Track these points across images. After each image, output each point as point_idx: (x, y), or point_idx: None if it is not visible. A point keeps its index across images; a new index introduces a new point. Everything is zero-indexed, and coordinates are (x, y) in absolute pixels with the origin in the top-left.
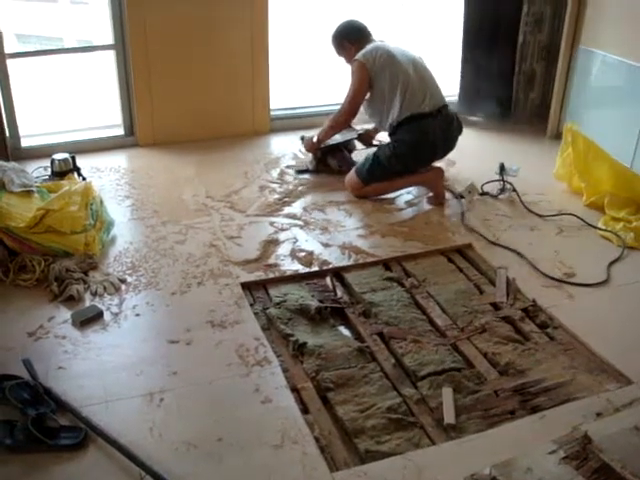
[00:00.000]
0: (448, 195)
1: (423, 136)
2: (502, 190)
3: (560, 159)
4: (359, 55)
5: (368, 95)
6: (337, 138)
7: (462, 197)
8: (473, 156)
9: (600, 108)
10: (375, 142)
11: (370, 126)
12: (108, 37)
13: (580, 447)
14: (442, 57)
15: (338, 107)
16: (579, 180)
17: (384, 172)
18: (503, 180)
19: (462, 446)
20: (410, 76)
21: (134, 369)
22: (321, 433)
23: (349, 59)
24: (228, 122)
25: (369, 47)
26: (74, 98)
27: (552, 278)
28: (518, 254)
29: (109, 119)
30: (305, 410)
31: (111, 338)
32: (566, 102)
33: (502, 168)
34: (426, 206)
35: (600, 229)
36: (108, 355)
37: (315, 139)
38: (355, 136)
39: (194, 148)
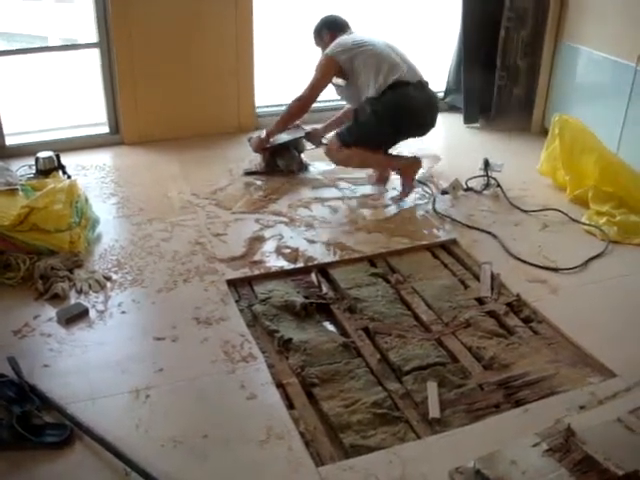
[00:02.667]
0: (433, 190)
1: (406, 101)
2: (486, 186)
3: (545, 153)
4: (327, 50)
5: (346, 81)
6: (285, 137)
7: (446, 193)
8: (457, 152)
9: (584, 104)
10: (324, 141)
11: (319, 125)
12: (92, 35)
13: (563, 439)
14: (429, 52)
15: (320, 105)
16: (564, 173)
17: (361, 132)
18: (487, 176)
19: (447, 440)
20: (384, 52)
21: (120, 366)
22: (306, 428)
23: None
24: (213, 119)
25: (335, 41)
26: (59, 96)
27: (522, 261)
28: (492, 235)
29: (94, 117)
30: (290, 406)
31: (97, 336)
32: (550, 98)
33: (486, 164)
34: (412, 202)
35: (584, 224)
36: (94, 352)
37: (264, 135)
38: (303, 134)
39: (179, 145)
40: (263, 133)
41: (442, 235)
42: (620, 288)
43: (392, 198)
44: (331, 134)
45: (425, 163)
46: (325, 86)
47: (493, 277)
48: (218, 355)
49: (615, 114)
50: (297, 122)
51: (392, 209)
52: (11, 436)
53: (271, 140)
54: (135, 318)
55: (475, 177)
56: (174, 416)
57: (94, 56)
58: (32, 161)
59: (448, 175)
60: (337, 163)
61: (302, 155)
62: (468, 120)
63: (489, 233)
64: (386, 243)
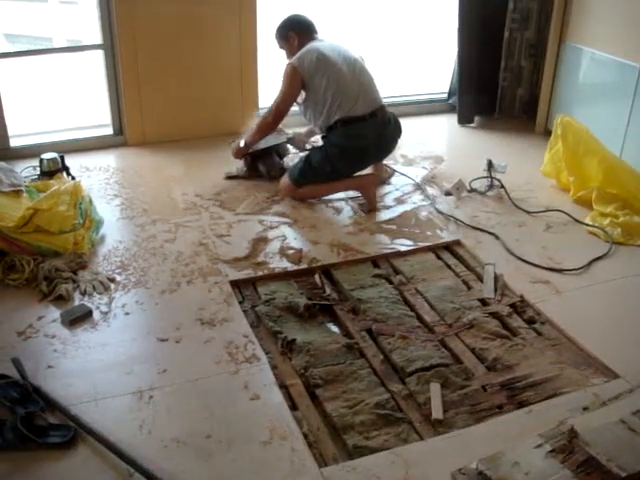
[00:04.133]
0: (436, 192)
1: (354, 140)
2: (490, 187)
3: (549, 155)
4: (293, 59)
5: (304, 97)
6: (268, 142)
7: (450, 194)
8: (461, 153)
9: (588, 104)
10: (308, 146)
11: (302, 130)
12: (97, 37)
13: (566, 441)
14: (434, 53)
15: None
16: (567, 174)
17: (316, 175)
18: (491, 177)
19: (450, 441)
20: (343, 77)
21: (123, 367)
22: (310, 429)
23: (290, 53)
24: (217, 121)
25: (303, 50)
26: (63, 98)
27: (525, 261)
28: (495, 236)
29: (98, 118)
30: (294, 406)
31: (100, 337)
32: (554, 98)
33: (490, 165)
34: (415, 204)
35: (588, 225)
36: (97, 354)
37: (242, 144)
38: (285, 140)
39: (183, 147)
40: (242, 142)
41: (445, 236)
42: (624, 289)
43: (396, 199)
44: (314, 139)
45: (428, 164)
46: (295, 95)
47: (496, 278)
48: (222, 356)
49: (619, 114)
50: (279, 127)
51: (396, 210)
52: (15, 437)
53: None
54: (139, 319)
55: (479, 178)
56: (177, 417)
57: (98, 58)
58: (36, 162)
59: (451, 176)
60: (294, 200)
61: (285, 160)
62: (462, 120)
63: (492, 234)
64: (389, 244)
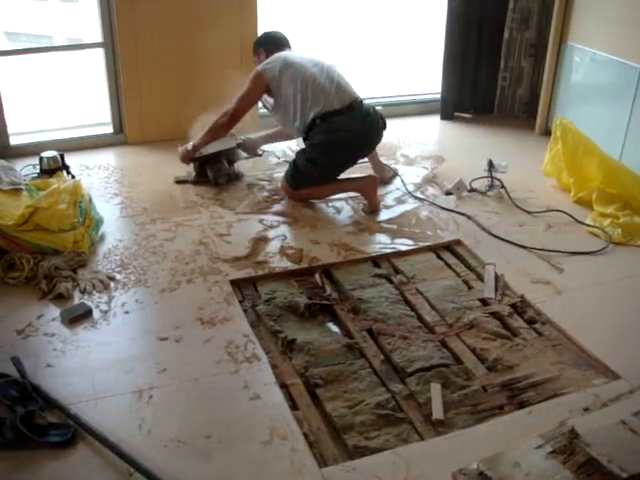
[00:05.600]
0: (436, 192)
1: (336, 135)
2: (490, 187)
3: (549, 155)
4: (259, 66)
5: (273, 103)
6: (217, 146)
7: (450, 194)
8: (461, 153)
9: (588, 104)
10: (259, 151)
11: (253, 135)
12: (97, 35)
13: (567, 442)
14: (427, 53)
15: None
16: (568, 175)
17: (305, 177)
18: (491, 177)
19: (450, 441)
20: (312, 76)
21: (123, 366)
22: (310, 429)
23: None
24: None
25: (269, 58)
26: (63, 96)
27: (501, 239)
28: (467, 216)
29: (98, 117)
30: (294, 406)
31: (100, 336)
32: (554, 98)
33: (490, 164)
34: (415, 204)
35: (588, 225)
36: (97, 352)
37: (190, 146)
38: (234, 145)
39: None
40: (190, 145)
41: (446, 236)
42: (624, 289)
43: (396, 199)
44: (266, 147)
45: (429, 164)
46: (254, 101)
47: (497, 278)
48: (222, 355)
49: (619, 115)
50: (232, 131)
51: (396, 210)
52: (14, 436)
53: (201, 151)
54: (138, 318)
55: (479, 178)
56: (177, 416)
57: (99, 56)
58: (36, 161)
59: (452, 176)
60: (295, 201)
61: (235, 165)
62: (444, 116)
63: (463, 214)
64: (390, 244)
